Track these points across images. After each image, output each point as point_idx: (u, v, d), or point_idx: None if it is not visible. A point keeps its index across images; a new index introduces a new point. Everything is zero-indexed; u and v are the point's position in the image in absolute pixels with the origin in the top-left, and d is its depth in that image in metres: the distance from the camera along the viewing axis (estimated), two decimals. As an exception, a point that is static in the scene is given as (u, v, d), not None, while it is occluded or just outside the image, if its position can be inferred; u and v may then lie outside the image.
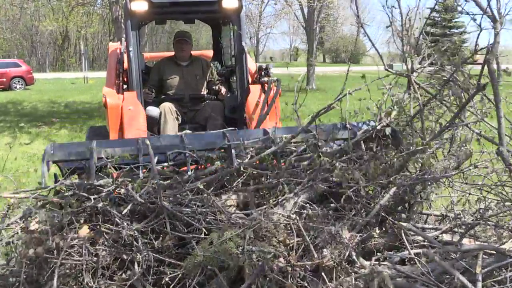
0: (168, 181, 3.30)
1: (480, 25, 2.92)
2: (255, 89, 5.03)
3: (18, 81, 28.47)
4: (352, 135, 3.75)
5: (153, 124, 5.01)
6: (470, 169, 3.55)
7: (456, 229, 3.18)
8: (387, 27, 4.11)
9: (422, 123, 3.62)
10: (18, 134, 12.72)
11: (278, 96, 4.90)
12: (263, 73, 5.17)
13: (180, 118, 5.26)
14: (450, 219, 3.45)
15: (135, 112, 4.65)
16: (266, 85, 4.97)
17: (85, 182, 3.24)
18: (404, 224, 2.90)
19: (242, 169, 3.34)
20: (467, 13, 3.04)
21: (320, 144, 3.52)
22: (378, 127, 3.63)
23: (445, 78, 3.65)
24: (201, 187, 3.11)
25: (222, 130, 3.83)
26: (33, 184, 8.09)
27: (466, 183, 3.67)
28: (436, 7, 36.93)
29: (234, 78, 5.70)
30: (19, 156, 10.43)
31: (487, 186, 3.50)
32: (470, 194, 3.64)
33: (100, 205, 3.03)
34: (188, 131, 5.17)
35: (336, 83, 28.83)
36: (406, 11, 4.00)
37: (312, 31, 25.30)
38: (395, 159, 3.49)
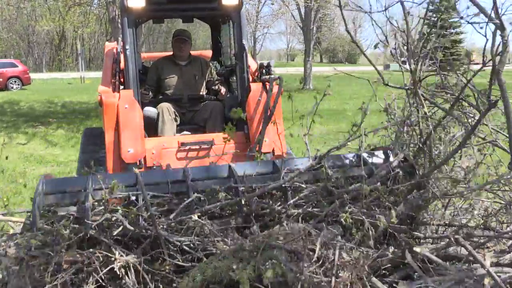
0: (166, 207, 3.21)
1: (485, 35, 2.83)
2: (256, 88, 4.92)
3: (15, 81, 28.39)
4: (368, 171, 3.51)
5: (151, 125, 4.96)
6: (482, 189, 3.41)
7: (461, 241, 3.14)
8: (375, 47, 3.99)
9: (430, 149, 3.46)
10: (14, 134, 12.72)
11: (280, 95, 4.78)
12: (264, 70, 5.04)
13: (178, 119, 5.19)
14: (457, 228, 3.40)
15: (131, 110, 4.57)
16: (267, 83, 4.84)
17: (79, 212, 3.11)
18: (418, 249, 2.84)
19: (245, 202, 3.23)
20: (470, 23, 2.94)
21: (331, 183, 3.35)
22: (395, 164, 3.47)
23: (454, 96, 3.49)
24: (195, 217, 3.01)
25: (228, 164, 3.57)
26: (29, 185, 8.08)
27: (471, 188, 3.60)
28: (431, 6, 36.87)
29: (234, 77, 5.59)
30: (16, 156, 10.42)
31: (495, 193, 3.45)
32: (474, 199, 3.56)
33: (91, 232, 2.96)
34: (186, 132, 5.13)
35: (333, 83, 28.80)
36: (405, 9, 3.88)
37: (309, 31, 25.31)
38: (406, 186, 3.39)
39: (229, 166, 3.47)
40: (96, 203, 3.15)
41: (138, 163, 4.38)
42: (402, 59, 3.99)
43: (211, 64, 5.92)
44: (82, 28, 30.00)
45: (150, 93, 5.19)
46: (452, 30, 39.33)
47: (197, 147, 4.68)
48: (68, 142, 12.02)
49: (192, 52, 5.78)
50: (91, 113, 16.24)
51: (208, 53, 7.04)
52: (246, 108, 4.87)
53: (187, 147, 4.66)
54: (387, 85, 3.77)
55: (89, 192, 3.14)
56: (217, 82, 5.55)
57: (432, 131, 3.44)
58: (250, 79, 5.08)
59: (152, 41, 52.83)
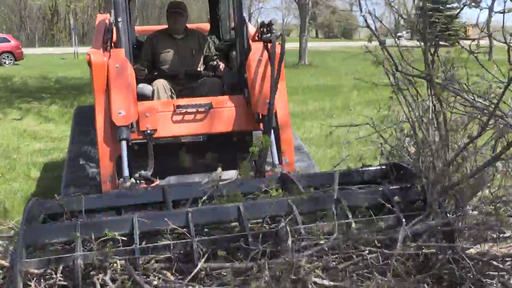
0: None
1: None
2: (256, 47, 4.56)
3: (7, 56, 28.24)
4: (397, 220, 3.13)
5: None
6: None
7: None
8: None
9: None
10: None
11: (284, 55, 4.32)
12: (265, 30, 4.61)
13: (174, 96, 4.97)
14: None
15: (122, 70, 4.27)
16: (269, 44, 4.42)
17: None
18: None
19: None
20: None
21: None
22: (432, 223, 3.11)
23: (486, 116, 3.14)
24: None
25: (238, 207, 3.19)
26: (24, 160, 8.07)
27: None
28: (429, -19, 36.48)
29: (233, 52, 5.34)
30: (10, 132, 10.40)
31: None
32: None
33: None
34: None
35: (329, 59, 28.73)
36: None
37: (305, 6, 25.11)
38: None
39: (238, 209, 3.11)
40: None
41: (130, 126, 4.14)
42: (399, 34, 3.90)
43: (209, 38, 5.68)
44: (74, 2, 29.58)
45: (145, 69, 5.05)
46: (448, 6, 39.11)
47: (194, 110, 4.41)
48: (62, 118, 11.97)
49: (189, 26, 5.63)
50: (85, 88, 16.13)
51: (206, 26, 6.86)
52: (246, 69, 4.56)
53: (183, 110, 4.39)
54: (400, 71, 3.43)
55: (78, 256, 2.76)
56: (215, 57, 5.36)
57: (463, 150, 3.13)
58: (251, 42, 4.75)
59: (146, 16, 52.28)
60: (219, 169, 3.86)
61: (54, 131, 10.61)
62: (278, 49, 4.32)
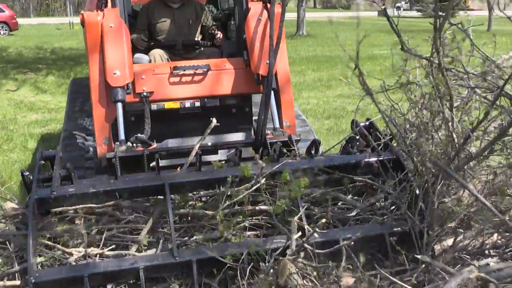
0: None
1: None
2: (256, 7, 4.40)
3: (2, 27, 27.96)
4: None
5: None
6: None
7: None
8: None
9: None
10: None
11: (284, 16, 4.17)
12: None
13: None
14: None
15: (117, 30, 4.15)
16: (269, 4, 4.22)
17: None
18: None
19: None
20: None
21: None
22: None
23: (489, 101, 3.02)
24: None
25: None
26: (20, 131, 8.07)
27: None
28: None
29: (232, 22, 5.28)
30: (6, 103, 10.37)
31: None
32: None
33: None
34: None
35: (326, 29, 28.49)
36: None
37: (303, -25, 24.79)
38: None
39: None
40: None
41: (126, 88, 4.03)
42: (397, 4, 3.83)
43: (206, 7, 5.52)
44: (69, -29, 29.31)
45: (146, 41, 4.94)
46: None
47: (192, 72, 4.29)
48: (58, 89, 11.92)
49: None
50: (81, 58, 16.01)
51: None
52: (245, 30, 4.42)
53: (181, 72, 4.27)
54: (406, 51, 3.17)
55: None
56: (213, 27, 5.22)
57: (470, 133, 2.97)
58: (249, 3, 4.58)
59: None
60: (214, 120, 3.71)
61: (51, 102, 10.58)
62: (278, 9, 4.19)
